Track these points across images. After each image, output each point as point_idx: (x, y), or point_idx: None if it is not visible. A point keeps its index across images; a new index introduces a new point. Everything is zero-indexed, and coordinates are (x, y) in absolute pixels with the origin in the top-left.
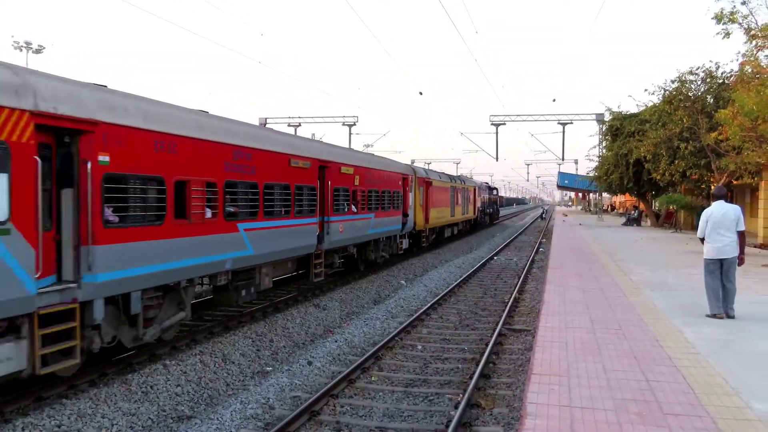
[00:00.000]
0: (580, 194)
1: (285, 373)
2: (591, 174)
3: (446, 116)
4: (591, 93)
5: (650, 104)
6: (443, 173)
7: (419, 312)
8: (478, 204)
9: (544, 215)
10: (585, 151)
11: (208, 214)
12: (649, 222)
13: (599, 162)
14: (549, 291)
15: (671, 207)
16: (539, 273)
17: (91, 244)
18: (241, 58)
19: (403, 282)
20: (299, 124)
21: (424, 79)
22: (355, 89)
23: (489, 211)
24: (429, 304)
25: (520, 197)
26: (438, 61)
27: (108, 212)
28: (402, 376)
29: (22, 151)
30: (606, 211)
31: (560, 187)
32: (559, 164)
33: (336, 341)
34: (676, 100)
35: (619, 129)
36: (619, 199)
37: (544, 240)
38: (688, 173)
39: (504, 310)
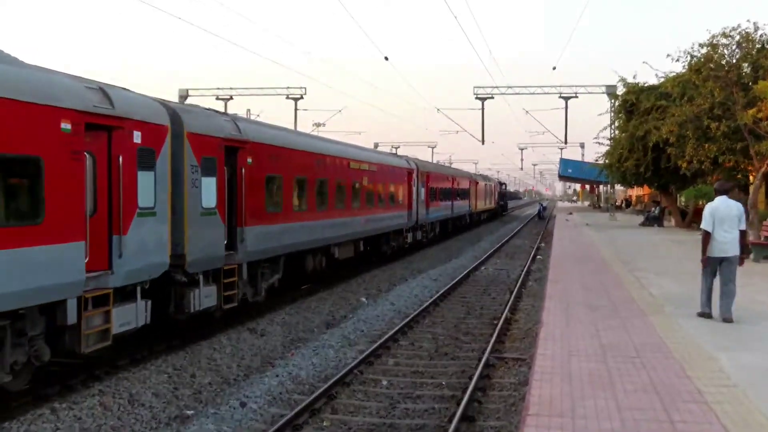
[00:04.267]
0: (587, 186)
1: (211, 419)
2: (600, 161)
3: (419, 88)
4: (600, 59)
5: (673, 74)
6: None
7: (385, 338)
8: (495, 197)
9: (542, 213)
10: (593, 133)
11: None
12: (672, 221)
13: (611, 146)
14: (548, 309)
15: (700, 202)
16: (536, 287)
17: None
18: (157, 13)
19: (363, 299)
20: (230, 97)
21: (390, 42)
22: (302, 53)
23: (500, 203)
24: (397, 327)
25: (512, 191)
26: (408, 19)
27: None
28: (362, 420)
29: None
30: (619, 207)
31: (562, 177)
32: (561, 149)
33: (277, 376)
34: (705, 68)
35: (634, 105)
36: (635, 192)
37: (543, 245)
38: (720, 160)
39: (492, 334)
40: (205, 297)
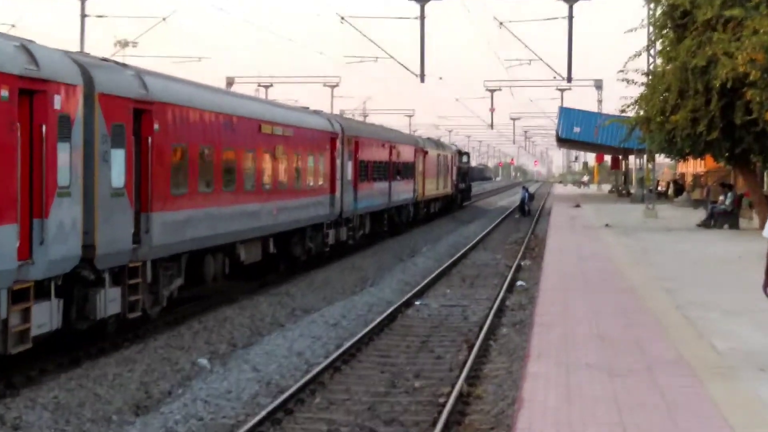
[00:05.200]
0: (607, 158)
1: None
2: (630, 113)
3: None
4: None
5: None
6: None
7: None
8: (453, 177)
9: (526, 205)
10: (617, 64)
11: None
12: (756, 219)
13: (648, 86)
14: (534, 378)
15: None
16: (514, 337)
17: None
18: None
19: (204, 362)
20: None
21: None
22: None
23: (461, 187)
24: (258, 419)
25: (479, 165)
26: None
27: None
28: None
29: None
30: (663, 194)
31: (564, 141)
32: (562, 91)
33: None
34: None
35: (688, 14)
36: (690, 168)
37: (527, 262)
38: None
39: None
40: (110, 301)
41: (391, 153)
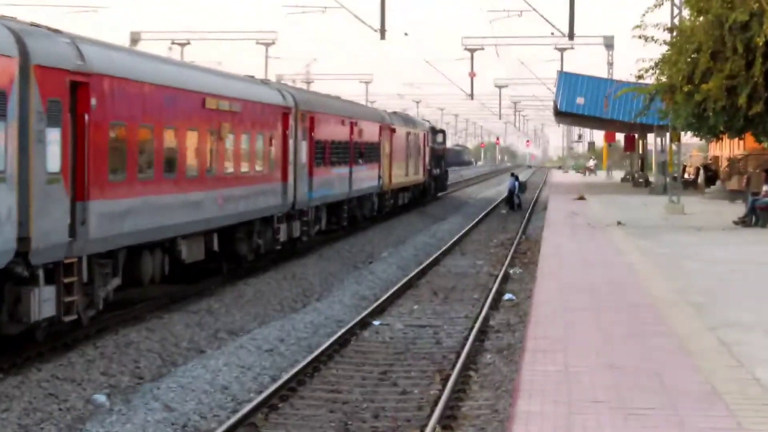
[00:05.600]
0: (619, 137)
1: None
2: (649, 80)
3: None
4: None
5: None
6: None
7: None
8: (426, 160)
9: (516, 197)
10: (632, 18)
11: None
12: None
13: (672, 46)
14: (526, 419)
15: None
16: (500, 366)
17: None
18: None
19: (101, 398)
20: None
21: None
22: None
23: (435, 173)
24: None
25: (457, 147)
26: None
27: None
28: None
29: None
30: (691, 183)
31: (563, 115)
32: (561, 51)
33: None
34: None
35: None
36: (725, 151)
37: (517, 271)
38: None
39: None
40: (44, 301)
41: (352, 131)
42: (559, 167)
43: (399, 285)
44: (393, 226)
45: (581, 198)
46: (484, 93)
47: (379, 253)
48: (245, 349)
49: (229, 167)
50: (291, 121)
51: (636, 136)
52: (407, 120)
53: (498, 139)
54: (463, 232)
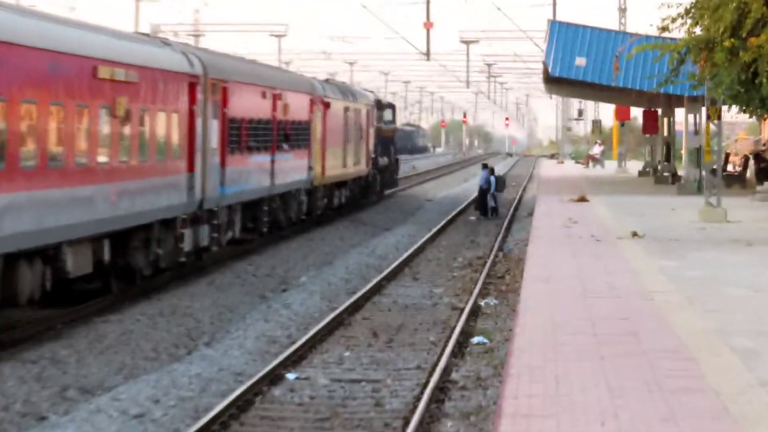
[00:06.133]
0: (636, 113)
1: None
2: (676, 32)
3: None
4: None
5: None
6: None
7: None
8: (370, 146)
9: (491, 197)
10: None
11: None
12: None
13: None
14: None
15: None
16: None
17: None
18: None
19: None
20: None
21: None
22: None
23: (382, 163)
24: None
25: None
26: None
27: None
28: None
29: None
30: (737, 177)
31: (556, 83)
32: None
33: None
34: None
35: None
36: None
37: (489, 301)
38: None
39: None
40: None
41: (275, 106)
42: (552, 156)
43: (324, 322)
44: (319, 238)
45: (582, 199)
46: (445, 51)
47: (296, 277)
48: (104, 413)
49: (125, 154)
50: (199, 94)
51: (659, 112)
52: (345, 91)
53: (465, 116)
54: (416, 247)
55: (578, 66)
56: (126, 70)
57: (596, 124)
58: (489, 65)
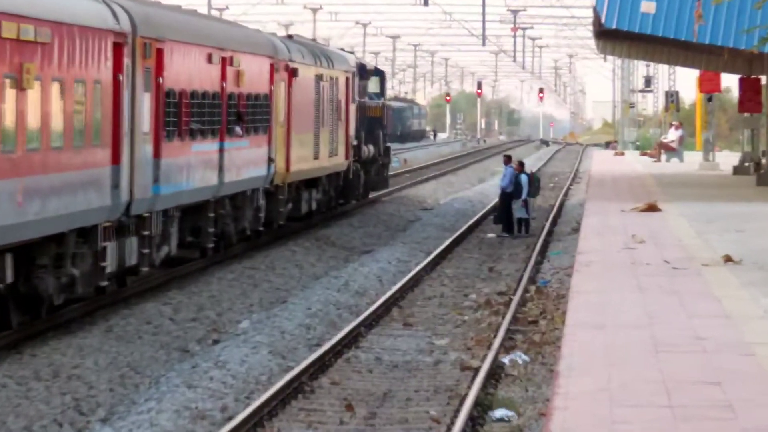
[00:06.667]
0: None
1: None
2: None
3: None
4: None
5: None
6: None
7: None
8: (351, 130)
9: (520, 210)
10: None
11: None
12: None
13: None
14: None
15: None
16: None
17: None
18: None
19: None
20: (226, 7)
21: None
22: None
23: (367, 154)
24: None
25: (402, 100)
26: None
27: None
28: None
29: None
30: None
31: (610, 38)
32: None
33: None
34: None
35: None
36: None
37: (517, 357)
38: None
39: None
40: None
41: (224, 75)
42: (607, 144)
43: (274, 389)
44: (267, 263)
45: (651, 208)
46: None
47: (234, 322)
48: None
49: (34, 140)
50: (125, 58)
51: (763, 80)
52: (316, 52)
53: (480, 86)
54: (409, 278)
55: (645, 12)
56: (36, 27)
57: (671, 97)
58: (514, 12)
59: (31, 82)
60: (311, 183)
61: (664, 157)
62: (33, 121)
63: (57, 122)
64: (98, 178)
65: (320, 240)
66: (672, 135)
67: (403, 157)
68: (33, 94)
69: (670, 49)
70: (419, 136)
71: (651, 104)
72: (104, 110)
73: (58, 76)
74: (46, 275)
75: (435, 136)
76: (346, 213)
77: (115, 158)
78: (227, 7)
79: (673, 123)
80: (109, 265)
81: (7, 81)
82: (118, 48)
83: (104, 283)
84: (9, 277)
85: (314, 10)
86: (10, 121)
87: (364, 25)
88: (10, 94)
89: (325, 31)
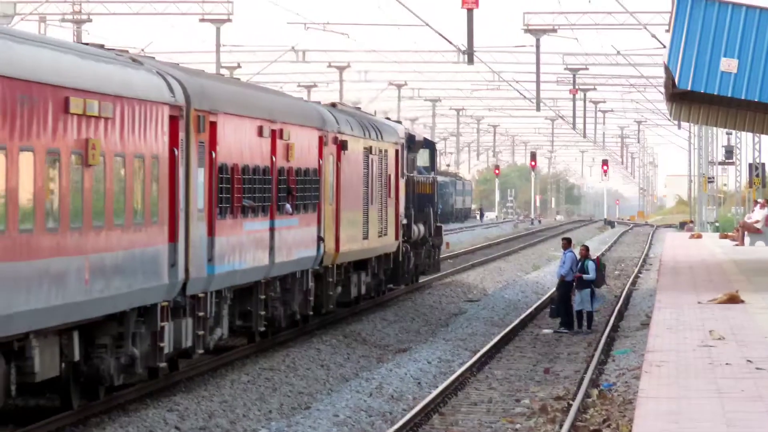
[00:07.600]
0: None
1: None
2: None
3: None
4: None
5: None
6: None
7: None
8: (401, 207)
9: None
10: None
11: None
12: None
13: None
14: None
15: None
16: None
17: None
18: None
19: None
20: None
21: None
22: None
23: (417, 234)
24: None
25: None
26: None
27: None
28: None
29: None
30: None
31: (685, 100)
32: None
33: None
34: None
35: None
36: None
37: None
38: None
39: None
40: None
41: (273, 147)
42: (682, 225)
43: None
44: (288, 362)
45: (733, 299)
46: (498, 48)
47: (249, 431)
48: None
49: (99, 217)
50: (181, 132)
51: None
52: (365, 123)
53: (534, 158)
54: (451, 380)
55: (725, 72)
56: (100, 101)
57: (756, 170)
58: (574, 71)
59: (97, 157)
60: (360, 265)
61: (747, 240)
62: (97, 197)
63: (119, 199)
64: (157, 257)
65: (349, 336)
66: (757, 215)
67: (445, 240)
68: (98, 170)
69: (754, 114)
70: (463, 215)
71: (732, 179)
72: (161, 186)
73: (120, 151)
74: (106, 355)
75: (482, 215)
76: (380, 304)
77: (172, 236)
78: (239, 65)
79: (759, 200)
80: (166, 346)
81: (74, 157)
82: (173, 121)
83: (162, 364)
84: (77, 355)
85: (341, 69)
86: (77, 198)
87: (399, 87)
88: (77, 170)
89: (354, 94)
